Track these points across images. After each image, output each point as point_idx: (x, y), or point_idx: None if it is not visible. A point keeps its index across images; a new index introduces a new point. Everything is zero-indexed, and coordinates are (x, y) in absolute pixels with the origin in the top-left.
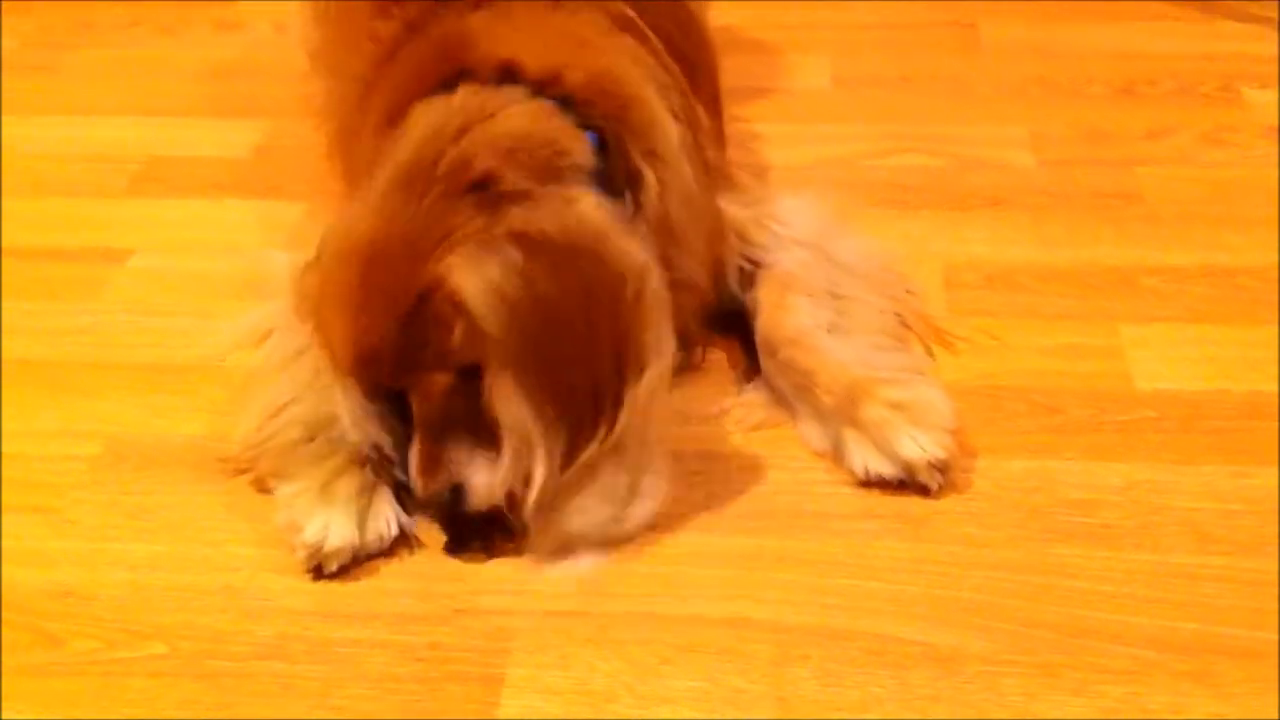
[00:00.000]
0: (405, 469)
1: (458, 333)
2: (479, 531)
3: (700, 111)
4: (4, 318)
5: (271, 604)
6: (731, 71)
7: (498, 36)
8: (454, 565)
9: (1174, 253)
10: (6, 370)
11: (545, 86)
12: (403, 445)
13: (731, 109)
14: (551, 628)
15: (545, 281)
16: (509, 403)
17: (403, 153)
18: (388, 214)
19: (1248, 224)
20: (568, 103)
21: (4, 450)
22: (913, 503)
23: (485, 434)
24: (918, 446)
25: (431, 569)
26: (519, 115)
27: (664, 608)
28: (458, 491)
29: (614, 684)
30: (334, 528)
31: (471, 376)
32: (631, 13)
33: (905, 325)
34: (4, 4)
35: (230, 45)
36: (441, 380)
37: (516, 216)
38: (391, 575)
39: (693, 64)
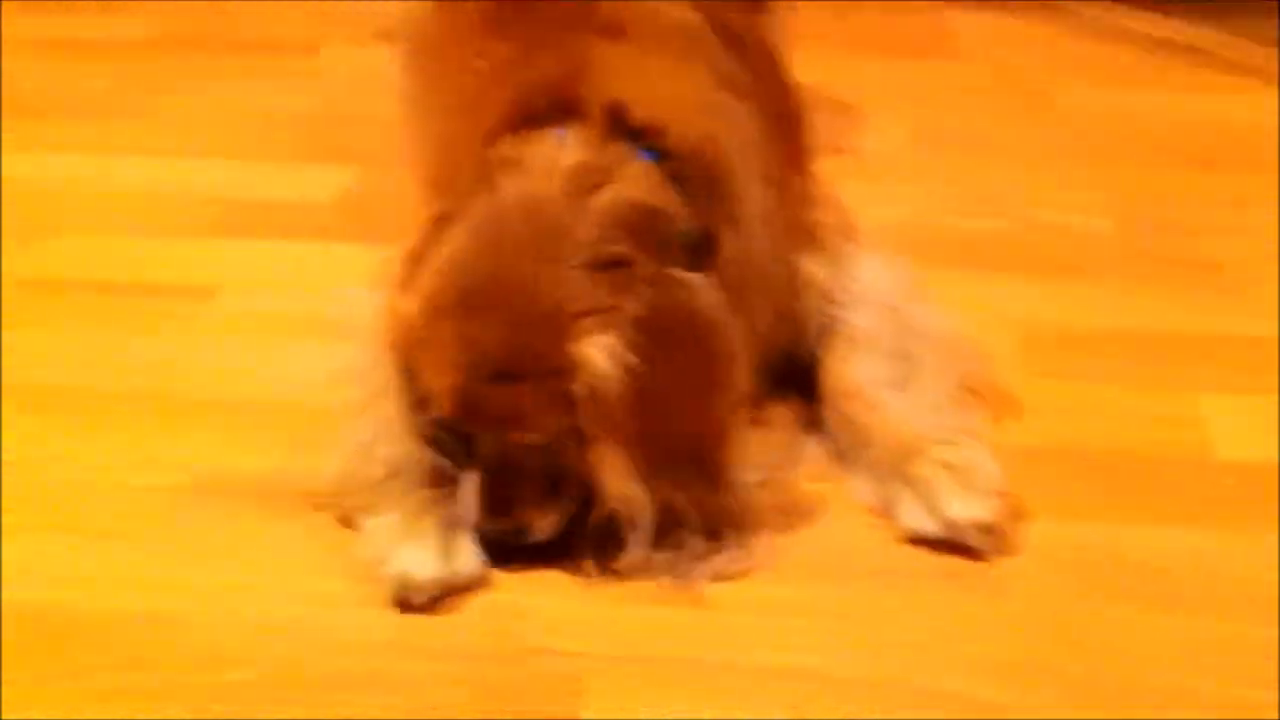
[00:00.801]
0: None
1: (586, 411)
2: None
3: (789, 172)
4: (95, 351)
5: (353, 636)
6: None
7: (615, 75)
8: (530, 604)
9: (1254, 322)
10: (96, 402)
11: (648, 137)
12: (451, 473)
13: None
14: (624, 672)
15: (669, 368)
16: (614, 476)
17: (515, 194)
18: (511, 266)
19: None
20: (665, 157)
21: (98, 479)
22: (985, 563)
23: (553, 484)
24: (965, 508)
25: (508, 607)
26: (635, 182)
27: (735, 656)
28: (519, 532)
29: None
30: (421, 562)
31: (561, 438)
32: (738, 72)
33: (971, 390)
34: (99, 49)
35: (316, 94)
36: (536, 437)
37: (649, 302)
38: (470, 612)
39: (787, 122)
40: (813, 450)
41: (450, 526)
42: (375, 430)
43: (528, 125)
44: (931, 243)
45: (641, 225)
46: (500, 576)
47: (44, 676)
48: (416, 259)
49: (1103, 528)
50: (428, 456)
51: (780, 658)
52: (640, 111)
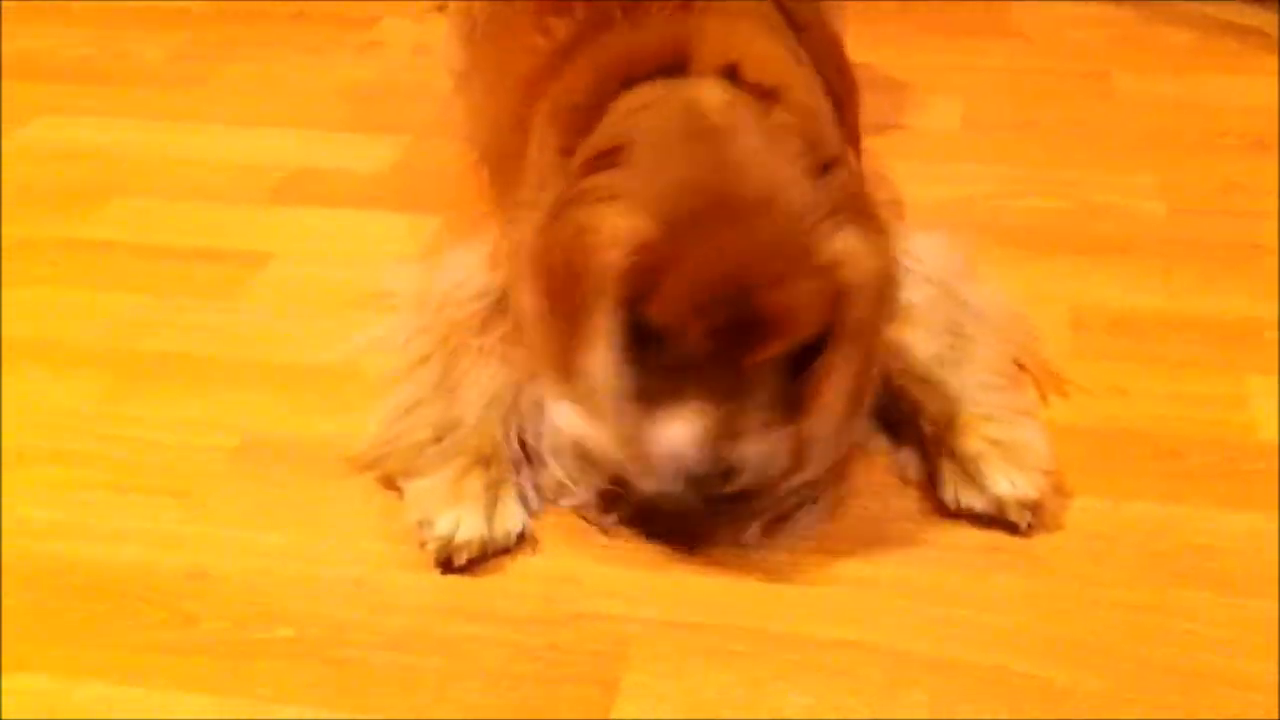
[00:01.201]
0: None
1: (853, 305)
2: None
3: (846, 148)
4: (154, 313)
5: (396, 598)
6: (864, 108)
7: (717, 40)
8: (574, 569)
9: None
10: (154, 362)
11: (765, 96)
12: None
13: (864, 144)
14: (668, 637)
15: (889, 270)
16: (839, 385)
17: (708, 117)
18: (741, 178)
19: None
20: None
21: (148, 438)
22: (1033, 539)
23: (768, 410)
24: (1009, 484)
25: (553, 571)
26: (794, 112)
27: (780, 625)
28: (731, 474)
29: (725, 696)
30: (464, 522)
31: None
32: (800, 51)
33: (1022, 368)
34: (159, 17)
35: (372, 65)
36: (782, 349)
37: (866, 203)
38: (514, 576)
39: (839, 100)
40: (862, 424)
41: (494, 488)
42: (420, 394)
43: (648, 80)
44: (982, 222)
45: (821, 141)
46: (546, 541)
47: (93, 630)
48: (591, 193)
49: (1148, 507)
50: (627, 399)
51: (824, 629)
52: (752, 74)
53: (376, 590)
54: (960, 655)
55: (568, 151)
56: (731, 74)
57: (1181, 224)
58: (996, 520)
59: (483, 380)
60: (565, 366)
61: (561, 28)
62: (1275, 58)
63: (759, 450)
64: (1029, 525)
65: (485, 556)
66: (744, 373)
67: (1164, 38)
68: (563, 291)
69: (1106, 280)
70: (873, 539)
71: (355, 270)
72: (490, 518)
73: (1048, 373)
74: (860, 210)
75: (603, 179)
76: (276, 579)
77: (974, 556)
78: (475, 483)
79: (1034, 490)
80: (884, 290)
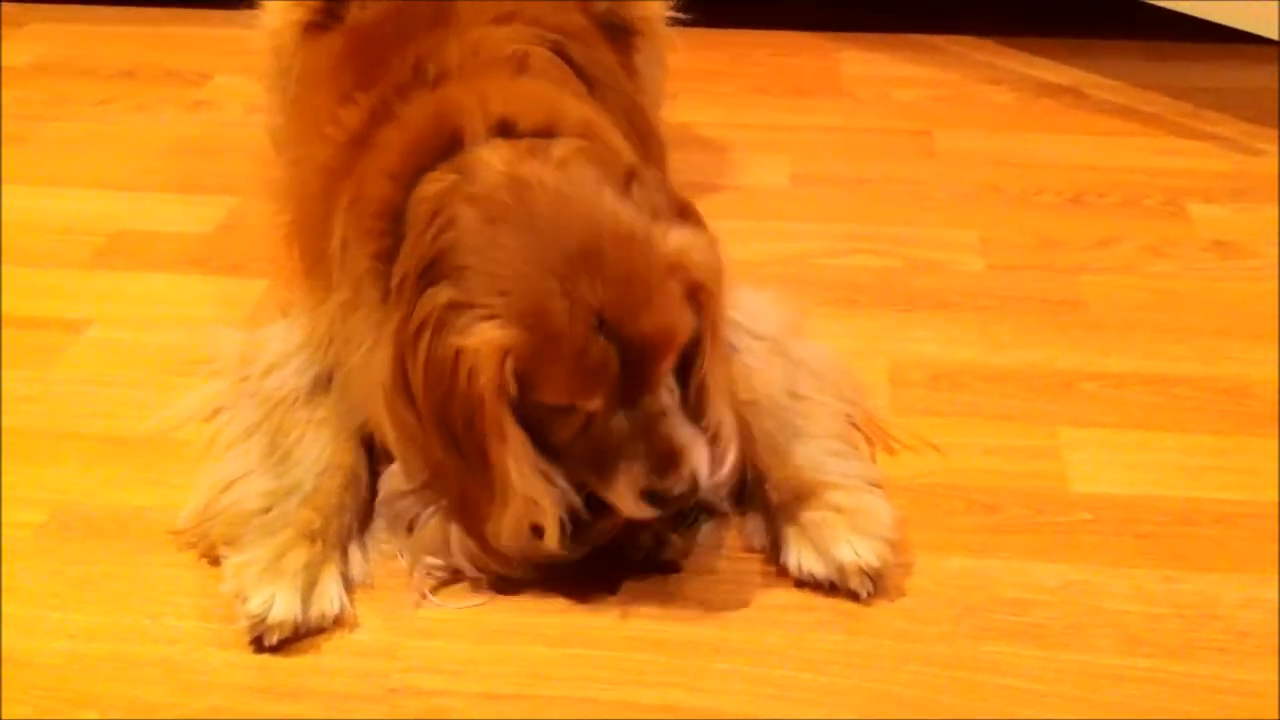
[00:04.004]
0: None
1: (705, 287)
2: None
3: None
4: None
5: (208, 677)
6: (692, 167)
7: (483, 101)
8: (392, 643)
9: (1115, 359)
10: None
11: (544, 134)
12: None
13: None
14: (487, 709)
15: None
16: (722, 376)
17: (501, 190)
18: (559, 233)
19: (1187, 335)
20: None
21: None
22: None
23: (688, 414)
24: (853, 551)
25: (370, 646)
26: (571, 141)
27: (599, 693)
28: (692, 490)
29: None
30: (279, 601)
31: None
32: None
33: (855, 427)
34: None
35: (201, 124)
36: (670, 360)
37: (677, 199)
38: (330, 652)
39: (643, 155)
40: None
41: (315, 567)
42: (246, 466)
43: (433, 168)
44: (808, 279)
45: (613, 156)
46: (364, 614)
47: None
48: (436, 314)
49: (963, 561)
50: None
51: (644, 694)
52: (524, 121)
53: (188, 670)
54: (781, 714)
55: (381, 258)
56: (505, 128)
57: (1000, 279)
58: (836, 588)
59: (316, 449)
60: (482, 494)
61: (349, 117)
62: (1090, 115)
63: (702, 450)
64: (869, 594)
65: (298, 637)
66: (652, 398)
67: (985, 97)
68: (450, 422)
69: (926, 335)
70: (691, 602)
71: (176, 336)
72: (307, 599)
73: (877, 430)
74: (674, 206)
75: (441, 295)
76: (83, 662)
77: (791, 615)
78: (296, 560)
79: (876, 559)
80: (722, 275)
